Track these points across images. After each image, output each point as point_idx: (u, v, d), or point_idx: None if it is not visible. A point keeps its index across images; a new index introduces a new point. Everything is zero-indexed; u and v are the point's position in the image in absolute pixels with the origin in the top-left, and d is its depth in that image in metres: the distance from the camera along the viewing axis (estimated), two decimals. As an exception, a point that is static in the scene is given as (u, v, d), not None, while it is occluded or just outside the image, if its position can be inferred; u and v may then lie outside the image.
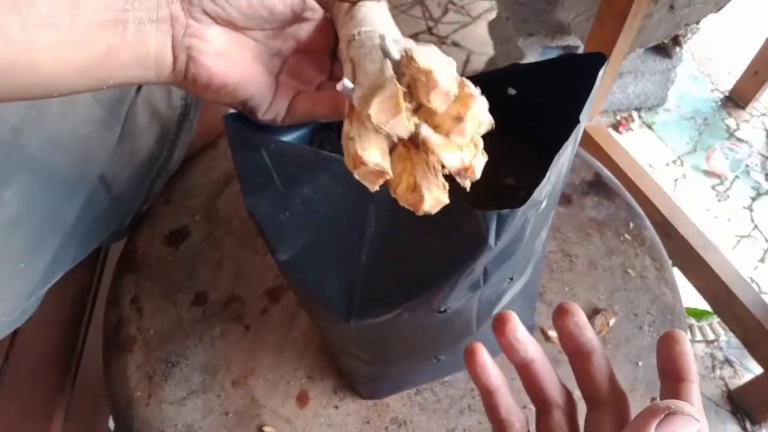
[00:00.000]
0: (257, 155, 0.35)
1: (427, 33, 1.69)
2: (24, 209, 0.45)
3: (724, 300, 0.98)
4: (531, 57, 1.29)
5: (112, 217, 0.56)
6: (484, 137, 0.25)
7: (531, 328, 0.52)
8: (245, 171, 0.36)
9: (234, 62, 0.31)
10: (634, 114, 1.55)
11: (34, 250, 0.47)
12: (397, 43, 0.26)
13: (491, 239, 0.29)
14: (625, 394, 0.28)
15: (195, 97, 0.57)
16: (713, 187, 1.43)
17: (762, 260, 1.29)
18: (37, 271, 0.47)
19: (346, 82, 0.25)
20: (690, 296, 1.06)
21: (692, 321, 1.17)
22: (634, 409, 0.49)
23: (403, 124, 0.23)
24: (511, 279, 0.39)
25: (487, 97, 0.28)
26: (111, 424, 0.76)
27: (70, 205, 0.49)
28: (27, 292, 0.47)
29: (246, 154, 0.35)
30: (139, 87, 0.54)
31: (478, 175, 0.25)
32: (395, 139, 0.24)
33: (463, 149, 0.24)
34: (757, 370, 1.05)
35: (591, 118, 1.14)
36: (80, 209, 0.50)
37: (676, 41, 1.38)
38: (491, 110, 0.23)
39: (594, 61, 0.35)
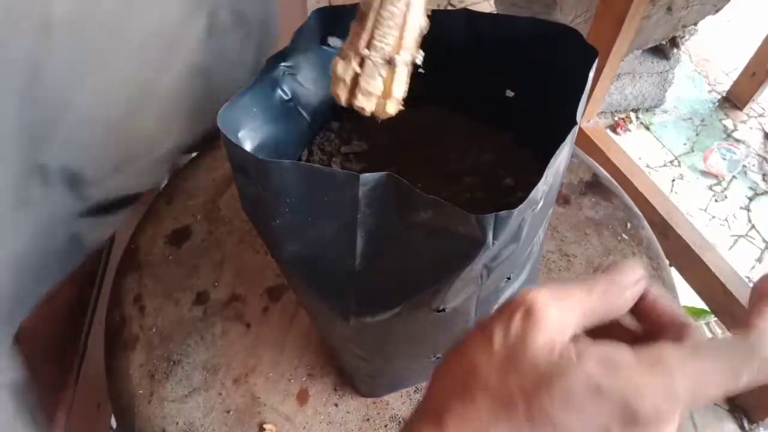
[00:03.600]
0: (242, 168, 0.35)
1: (426, 34, 1.69)
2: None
3: (721, 300, 0.99)
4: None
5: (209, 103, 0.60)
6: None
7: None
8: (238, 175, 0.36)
9: None
10: (632, 115, 1.56)
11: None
12: None
13: (489, 241, 0.30)
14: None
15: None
16: (710, 188, 1.43)
17: (759, 260, 1.30)
18: None
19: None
20: (688, 295, 1.07)
21: (690, 320, 1.18)
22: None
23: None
24: (509, 278, 0.39)
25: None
26: (113, 422, 0.77)
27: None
28: None
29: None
30: None
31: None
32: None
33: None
34: (754, 369, 1.05)
35: (589, 119, 1.14)
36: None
37: (673, 43, 1.39)
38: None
39: (587, 58, 0.35)
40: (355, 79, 0.34)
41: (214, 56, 0.59)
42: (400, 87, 0.34)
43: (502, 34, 0.41)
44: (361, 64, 0.33)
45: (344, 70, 0.33)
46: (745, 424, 1.07)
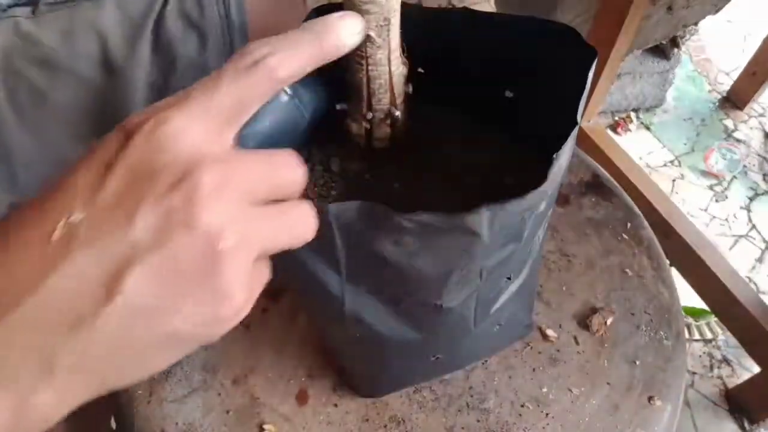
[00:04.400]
0: None
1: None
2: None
3: (722, 300, 0.99)
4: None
5: None
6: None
7: (529, 327, 0.53)
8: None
9: None
10: (632, 115, 1.56)
11: None
12: None
13: (485, 236, 0.30)
14: None
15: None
16: (711, 188, 1.43)
17: (760, 260, 1.30)
18: None
19: None
20: (688, 295, 1.07)
21: (690, 320, 1.18)
22: (632, 409, 0.49)
23: None
24: (509, 278, 0.39)
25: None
26: (113, 423, 0.77)
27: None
28: None
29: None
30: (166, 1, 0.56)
31: None
32: None
33: None
34: (755, 369, 1.05)
35: (589, 119, 1.14)
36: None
37: (674, 42, 1.39)
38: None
39: (586, 58, 0.35)
40: (368, 131, 0.41)
41: (166, 70, 0.57)
42: (402, 122, 0.42)
43: (502, 34, 0.41)
44: (369, 122, 0.40)
45: (358, 129, 0.41)
46: (746, 425, 1.07)
